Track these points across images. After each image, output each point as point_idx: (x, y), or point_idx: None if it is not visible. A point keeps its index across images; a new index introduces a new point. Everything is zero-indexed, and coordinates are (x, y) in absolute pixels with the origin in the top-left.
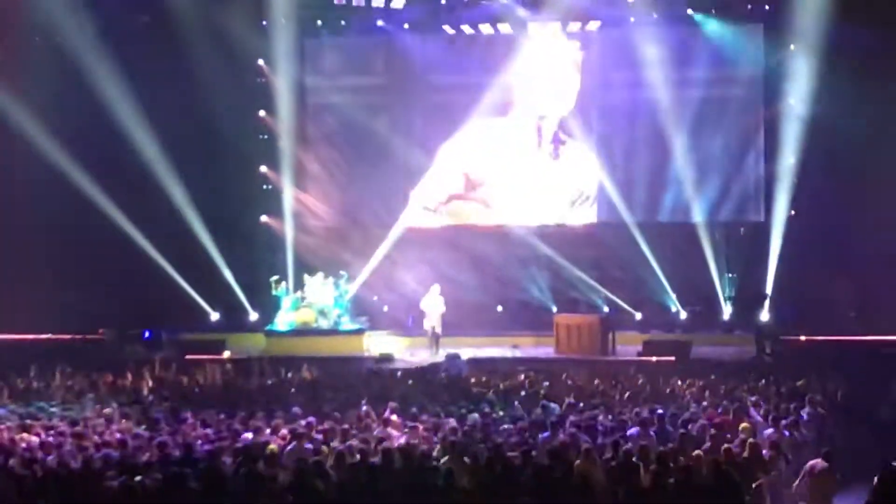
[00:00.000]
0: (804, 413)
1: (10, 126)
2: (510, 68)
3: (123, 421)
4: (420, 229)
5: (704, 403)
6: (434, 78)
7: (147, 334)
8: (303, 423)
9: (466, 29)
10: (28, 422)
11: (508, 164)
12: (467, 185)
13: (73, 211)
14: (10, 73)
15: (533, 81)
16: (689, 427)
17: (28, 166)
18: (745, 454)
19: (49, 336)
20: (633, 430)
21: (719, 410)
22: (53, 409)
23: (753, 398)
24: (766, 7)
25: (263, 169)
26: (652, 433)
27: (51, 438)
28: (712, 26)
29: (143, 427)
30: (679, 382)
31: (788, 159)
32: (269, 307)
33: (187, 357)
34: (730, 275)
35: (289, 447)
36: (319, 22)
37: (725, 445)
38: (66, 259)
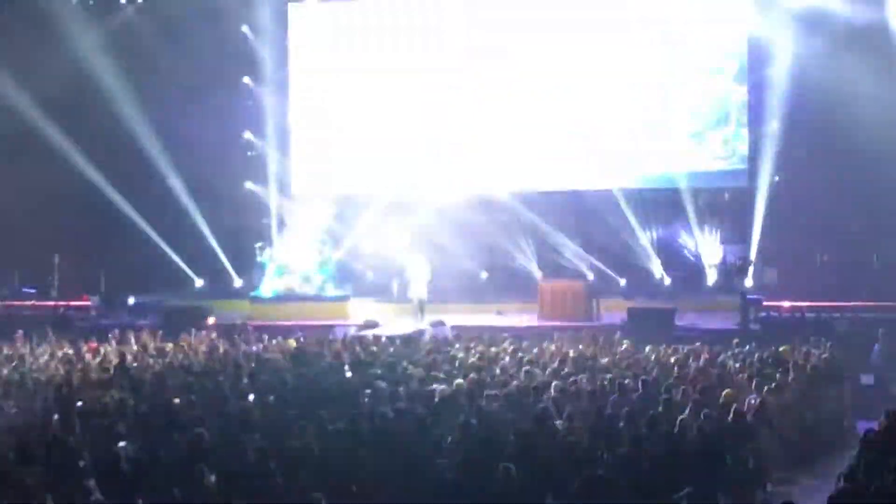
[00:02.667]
0: (789, 379)
1: None
2: (495, 33)
3: (107, 388)
4: (404, 196)
5: (688, 369)
6: (420, 44)
7: (132, 301)
8: (287, 389)
9: None
10: (11, 388)
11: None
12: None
13: (58, 178)
14: None
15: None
16: (673, 393)
17: (11, 134)
18: (729, 420)
19: (35, 303)
20: (615, 396)
21: (703, 376)
22: (38, 376)
23: (737, 364)
24: None
25: (248, 135)
26: (636, 399)
27: (35, 405)
28: None
29: (128, 393)
30: (663, 348)
31: (773, 125)
32: (254, 274)
33: (172, 324)
34: (714, 241)
35: (272, 413)
36: None
37: (709, 411)
38: (51, 226)
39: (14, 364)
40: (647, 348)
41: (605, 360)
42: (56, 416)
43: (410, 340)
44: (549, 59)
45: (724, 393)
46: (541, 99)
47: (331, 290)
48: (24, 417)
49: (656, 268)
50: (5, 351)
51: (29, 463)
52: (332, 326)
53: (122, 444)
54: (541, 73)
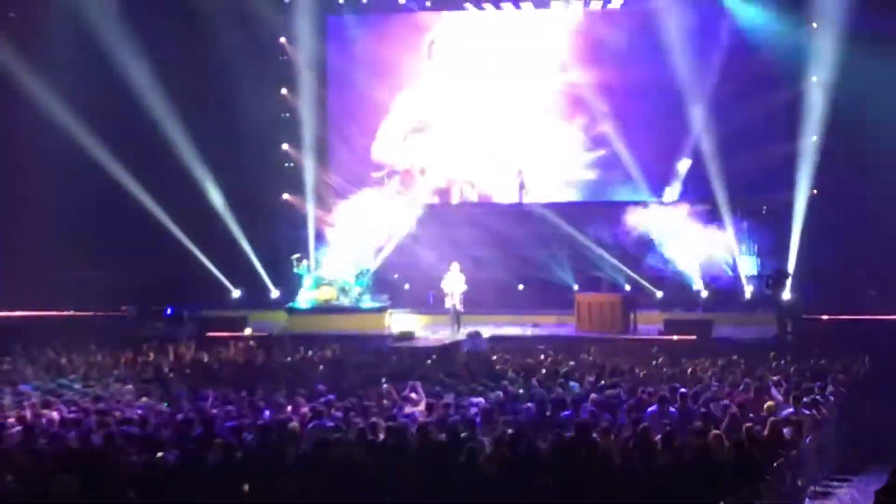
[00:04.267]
0: (827, 392)
1: (33, 103)
2: (533, 44)
3: (145, 398)
4: (441, 206)
5: (725, 382)
6: (456, 54)
7: (169, 311)
8: (323, 400)
9: (489, 7)
10: (50, 398)
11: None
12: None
13: (96, 188)
14: (34, 51)
15: (555, 58)
16: (710, 406)
17: (51, 144)
18: (766, 433)
19: (72, 313)
20: (652, 409)
21: (740, 389)
22: (76, 386)
23: (775, 377)
24: None
25: (285, 146)
26: (673, 412)
27: (73, 415)
28: (734, 4)
29: (165, 404)
30: (700, 361)
31: (811, 137)
32: (291, 285)
33: (209, 334)
34: (752, 254)
35: (309, 424)
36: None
37: (746, 424)
38: (89, 236)
39: (53, 374)
40: (684, 361)
41: (641, 373)
42: (94, 426)
43: (447, 351)
44: (587, 71)
45: (761, 406)
46: (577, 110)
47: (368, 302)
48: (63, 427)
49: (693, 280)
50: (44, 361)
51: (68, 473)
52: (369, 337)
53: (160, 453)
54: (578, 83)
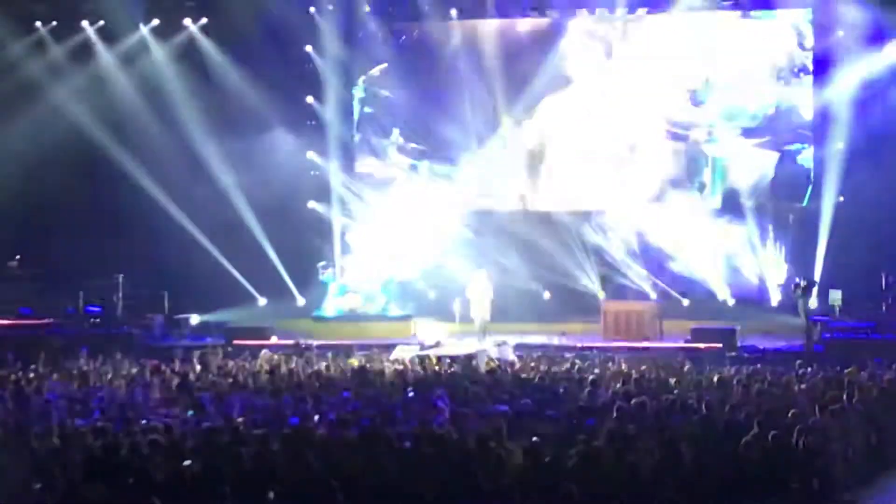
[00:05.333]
0: (853, 401)
1: (57, 108)
2: (561, 54)
3: (170, 406)
4: (468, 215)
5: (751, 390)
6: (482, 65)
7: (195, 320)
8: (350, 407)
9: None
10: (76, 406)
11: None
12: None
13: (121, 197)
14: (56, 55)
15: (582, 66)
16: (737, 414)
17: (75, 151)
18: (793, 441)
19: (97, 320)
20: (678, 417)
21: (766, 397)
22: (102, 395)
23: (801, 385)
24: None
25: (311, 154)
26: (699, 420)
27: (99, 423)
28: (758, 14)
29: (191, 412)
30: (726, 369)
31: (837, 144)
32: (317, 293)
33: (235, 342)
34: (779, 261)
35: (335, 432)
36: (367, 8)
37: (772, 432)
38: (114, 244)
39: (79, 383)
40: (710, 369)
41: (667, 381)
42: (121, 434)
43: (473, 360)
44: (614, 81)
45: (787, 414)
46: (603, 119)
47: (393, 310)
48: (90, 435)
49: (720, 288)
50: (70, 369)
51: (95, 481)
52: (394, 346)
53: (186, 462)
54: (604, 94)
